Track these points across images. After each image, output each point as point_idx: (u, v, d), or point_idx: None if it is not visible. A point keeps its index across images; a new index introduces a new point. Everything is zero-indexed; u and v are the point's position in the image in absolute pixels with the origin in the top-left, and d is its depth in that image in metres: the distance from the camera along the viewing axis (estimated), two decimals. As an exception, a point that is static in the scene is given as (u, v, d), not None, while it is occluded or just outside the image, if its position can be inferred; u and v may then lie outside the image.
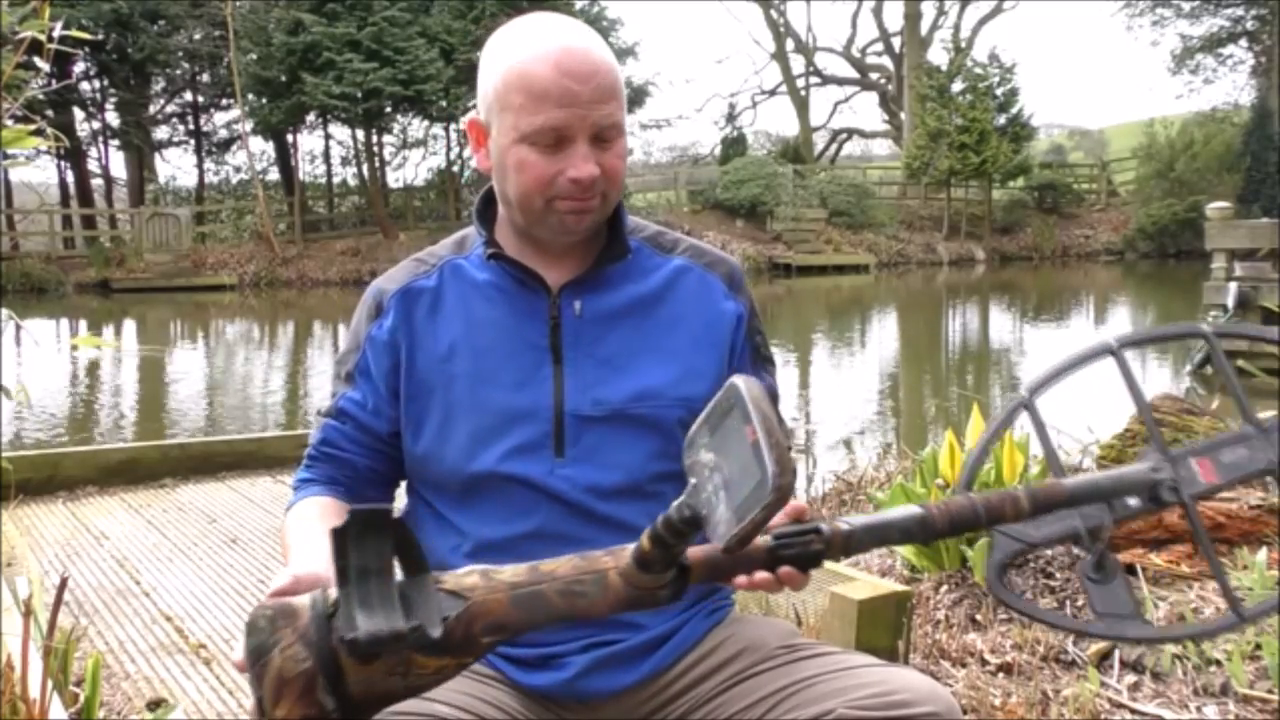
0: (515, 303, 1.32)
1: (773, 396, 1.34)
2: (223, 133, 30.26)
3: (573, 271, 1.33)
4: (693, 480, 0.91)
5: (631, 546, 0.93)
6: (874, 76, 40.64)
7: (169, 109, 29.92)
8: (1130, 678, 2.30)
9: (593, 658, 1.25)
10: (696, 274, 1.38)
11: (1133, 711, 2.17)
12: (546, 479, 1.25)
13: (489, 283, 1.33)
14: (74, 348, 13.32)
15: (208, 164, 30.22)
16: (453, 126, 28.91)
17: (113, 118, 27.77)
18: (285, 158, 28.34)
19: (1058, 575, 2.66)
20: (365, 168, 27.23)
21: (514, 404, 1.28)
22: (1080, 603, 2.59)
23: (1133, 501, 1.03)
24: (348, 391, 1.34)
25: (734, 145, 32.49)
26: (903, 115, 34.25)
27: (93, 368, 12.89)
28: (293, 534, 1.26)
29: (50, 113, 22.51)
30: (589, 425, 1.28)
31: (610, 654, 1.26)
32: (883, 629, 2.13)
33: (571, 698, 1.26)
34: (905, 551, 2.85)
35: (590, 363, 1.29)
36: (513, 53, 1.26)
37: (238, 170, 30.86)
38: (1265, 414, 3.25)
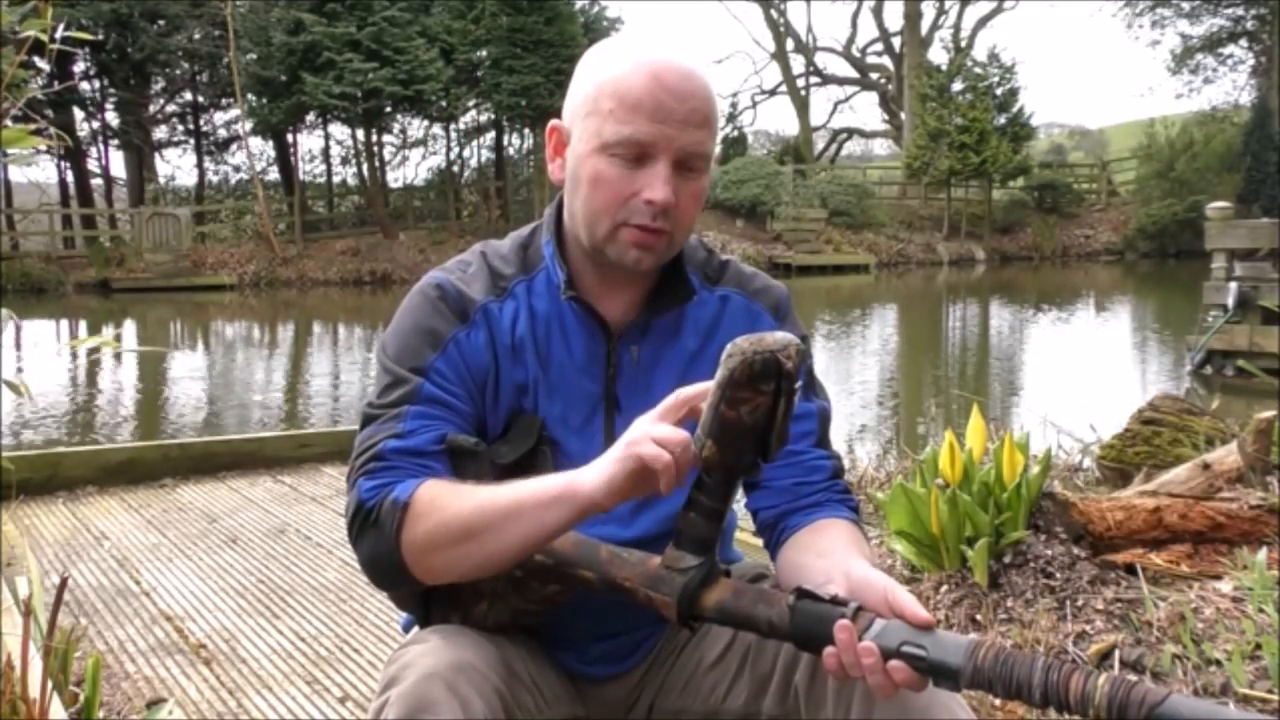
0: (576, 342, 1.29)
1: (825, 419, 1.34)
2: (222, 132, 30.32)
3: (631, 305, 1.30)
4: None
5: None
6: (874, 76, 40.65)
7: (169, 109, 29.94)
8: (1130, 678, 2.30)
9: (602, 648, 1.35)
10: (742, 304, 1.35)
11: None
12: (586, 533, 1.23)
13: (554, 315, 1.29)
14: (74, 352, 13.32)
15: (208, 164, 30.28)
16: (453, 126, 28.95)
17: (113, 118, 27.78)
18: (285, 157, 28.36)
19: (1057, 575, 2.66)
20: (365, 167, 27.24)
21: (566, 454, 1.27)
22: (1080, 603, 2.59)
23: None
24: (425, 383, 1.23)
25: (734, 145, 32.51)
26: (903, 115, 34.25)
27: (93, 368, 12.89)
28: (519, 485, 1.14)
29: (50, 112, 22.52)
30: None
31: (617, 643, 1.35)
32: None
33: (583, 675, 1.36)
34: (905, 551, 2.85)
35: (641, 415, 1.26)
36: (612, 60, 1.23)
37: (237, 170, 30.96)
38: (1266, 414, 3.22)
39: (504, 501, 1.13)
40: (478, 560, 1.15)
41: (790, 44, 39.55)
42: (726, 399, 1.03)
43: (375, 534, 1.17)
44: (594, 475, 1.09)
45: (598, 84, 1.22)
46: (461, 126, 29.44)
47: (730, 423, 1.04)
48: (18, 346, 11.42)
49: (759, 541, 1.36)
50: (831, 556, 1.17)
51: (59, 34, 1.64)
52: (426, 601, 1.27)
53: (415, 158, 46.64)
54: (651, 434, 1.07)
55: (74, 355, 12.86)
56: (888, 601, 1.03)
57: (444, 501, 1.15)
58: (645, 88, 1.19)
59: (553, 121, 1.30)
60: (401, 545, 1.16)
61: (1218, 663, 2.27)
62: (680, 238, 1.26)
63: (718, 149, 1.29)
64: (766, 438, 1.06)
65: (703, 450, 1.06)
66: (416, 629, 1.29)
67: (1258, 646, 2.28)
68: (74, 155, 26.76)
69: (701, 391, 1.07)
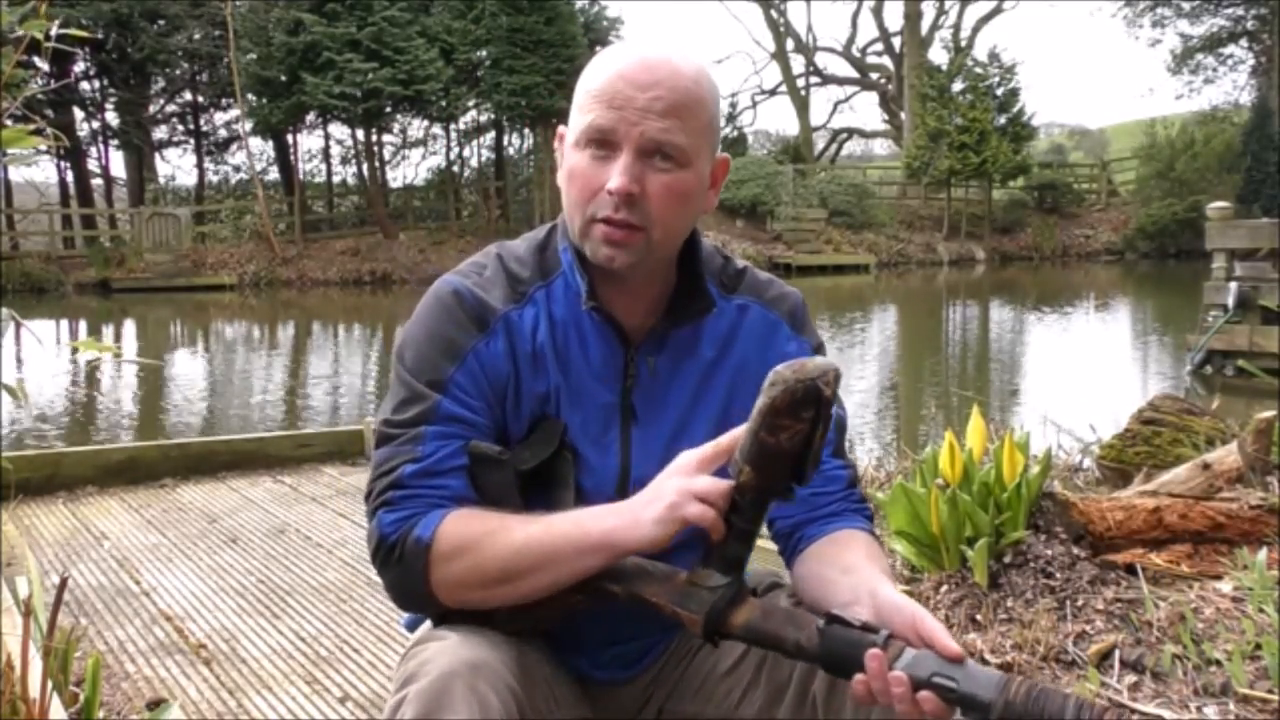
0: (594, 351, 1.28)
1: (841, 428, 1.35)
2: (222, 132, 30.31)
3: (649, 313, 1.29)
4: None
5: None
6: (874, 76, 40.64)
7: (169, 109, 29.93)
8: (1130, 678, 2.30)
9: (614, 652, 1.34)
10: (758, 313, 1.34)
11: (1133, 711, 2.17)
12: None
13: (571, 322, 1.28)
14: (74, 350, 13.29)
15: (208, 164, 30.26)
16: (453, 126, 28.94)
17: (113, 118, 27.77)
18: (285, 157, 28.34)
19: (1057, 575, 2.66)
20: (365, 167, 27.23)
21: (584, 463, 1.27)
22: (1080, 603, 2.58)
23: None
24: (444, 400, 1.22)
25: (734, 145, 32.51)
26: (903, 115, 34.24)
27: (93, 368, 12.88)
28: (554, 527, 1.16)
29: (50, 112, 22.52)
30: None
31: (627, 648, 1.35)
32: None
33: (593, 679, 1.35)
34: (905, 551, 2.85)
35: (658, 427, 1.27)
36: (597, 61, 1.25)
37: (237, 170, 30.95)
38: (1266, 414, 3.22)
39: (540, 547, 1.15)
40: (512, 599, 1.18)
41: (790, 44, 39.58)
42: (767, 426, 1.05)
43: (401, 571, 1.19)
44: (635, 534, 1.12)
45: (581, 84, 1.24)
46: (461, 126, 29.43)
47: (770, 449, 1.06)
48: (17, 346, 11.41)
49: (768, 545, 1.36)
50: (856, 575, 1.17)
51: (54, 32, 1.63)
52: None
53: (415, 158, 46.58)
54: (694, 490, 1.09)
55: (74, 354, 12.84)
56: (916, 630, 1.03)
57: (472, 542, 1.16)
58: (607, 77, 1.21)
59: (560, 127, 1.30)
60: (431, 583, 1.18)
61: (1218, 663, 2.27)
62: (660, 236, 1.22)
63: (708, 147, 1.27)
64: (803, 463, 1.08)
65: (740, 475, 1.08)
66: (425, 626, 1.28)
67: (1258, 646, 2.28)
68: (74, 155, 26.75)
69: (739, 437, 1.10)
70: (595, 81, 1.22)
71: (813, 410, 1.04)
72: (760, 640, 1.11)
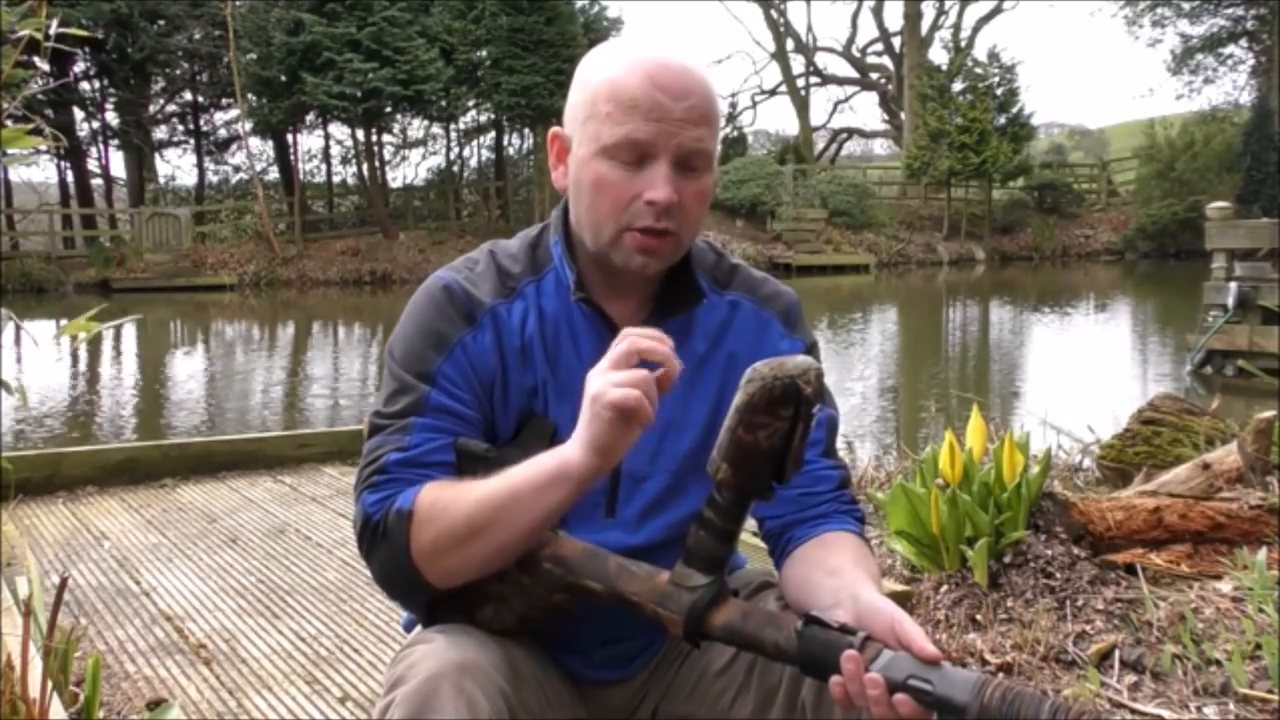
0: (584, 344, 1.28)
1: (832, 427, 1.34)
2: (223, 132, 30.28)
3: (640, 307, 1.30)
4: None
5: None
6: (874, 76, 40.65)
7: (169, 109, 29.90)
8: (1130, 678, 2.30)
9: (607, 652, 1.34)
10: (751, 310, 1.34)
11: (1133, 711, 2.17)
12: (592, 539, 1.22)
13: (562, 316, 1.28)
14: (72, 338, 13.29)
15: (208, 164, 30.25)
16: (453, 126, 28.94)
17: (113, 118, 27.75)
18: (285, 157, 28.34)
19: (1057, 575, 2.66)
20: (365, 167, 27.23)
21: None
22: (1080, 603, 2.59)
23: None
24: (432, 392, 1.23)
25: (734, 145, 32.51)
26: (903, 115, 34.24)
27: (93, 367, 12.90)
28: (512, 473, 1.15)
29: (50, 112, 22.52)
30: (643, 484, 1.29)
31: (621, 648, 1.35)
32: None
33: (586, 679, 1.35)
34: (905, 551, 2.85)
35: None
36: (608, 63, 1.23)
37: (238, 170, 30.92)
38: (1266, 414, 3.23)
39: (502, 492, 1.14)
40: (487, 554, 1.16)
41: (790, 44, 39.58)
42: (744, 423, 1.04)
43: (385, 547, 1.19)
44: (579, 445, 1.11)
45: (594, 88, 1.22)
46: (461, 126, 29.43)
47: (747, 447, 1.05)
48: (17, 345, 11.41)
49: (763, 545, 1.35)
50: (840, 577, 1.17)
51: (54, 32, 1.63)
52: (431, 606, 1.26)
53: (415, 158, 46.39)
54: (611, 381, 1.08)
55: (73, 341, 12.84)
56: (895, 632, 1.03)
57: (444, 504, 1.16)
58: (640, 87, 1.19)
59: (553, 129, 1.29)
60: (412, 554, 1.17)
61: (1218, 663, 2.27)
62: (687, 238, 1.25)
63: (718, 149, 1.28)
64: (782, 462, 1.06)
65: (717, 473, 1.07)
66: (419, 628, 1.29)
67: (1258, 646, 2.28)
68: (74, 155, 26.74)
69: (652, 346, 1.09)
70: (623, 89, 1.20)
71: (791, 408, 1.03)
72: (740, 641, 1.10)
